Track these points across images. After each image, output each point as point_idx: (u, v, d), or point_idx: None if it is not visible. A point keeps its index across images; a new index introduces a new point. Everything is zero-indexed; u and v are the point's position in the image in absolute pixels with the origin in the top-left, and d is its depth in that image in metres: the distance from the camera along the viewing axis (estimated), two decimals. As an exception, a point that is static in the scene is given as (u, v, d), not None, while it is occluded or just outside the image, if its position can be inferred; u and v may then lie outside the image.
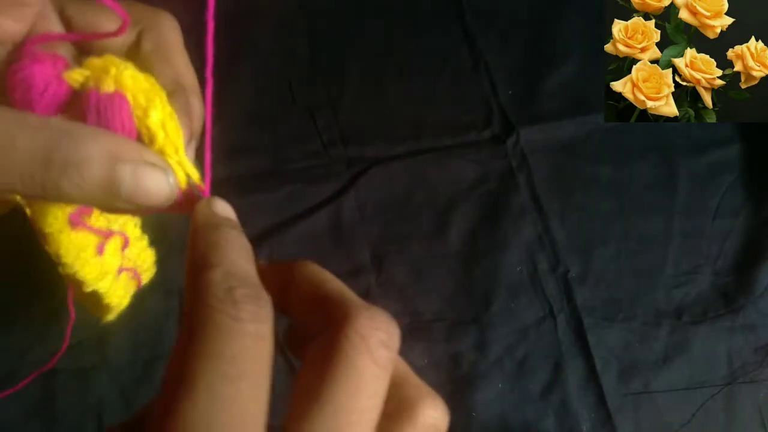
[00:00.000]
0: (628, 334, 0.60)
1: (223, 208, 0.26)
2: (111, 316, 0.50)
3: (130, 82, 0.26)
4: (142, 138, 0.27)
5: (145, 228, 0.46)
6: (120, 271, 0.45)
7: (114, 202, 0.25)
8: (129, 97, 0.26)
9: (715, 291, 0.62)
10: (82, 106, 0.26)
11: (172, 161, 0.27)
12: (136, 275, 0.48)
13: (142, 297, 0.50)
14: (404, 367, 0.26)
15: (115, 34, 0.25)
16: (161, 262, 0.49)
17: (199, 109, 0.30)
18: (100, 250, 0.40)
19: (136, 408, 0.47)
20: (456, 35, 0.67)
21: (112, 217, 0.40)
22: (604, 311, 0.60)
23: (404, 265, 0.60)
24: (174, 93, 0.28)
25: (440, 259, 0.60)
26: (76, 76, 0.26)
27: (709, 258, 0.63)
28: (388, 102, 0.64)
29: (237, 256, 0.24)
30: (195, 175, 0.28)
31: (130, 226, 0.44)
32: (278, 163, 0.62)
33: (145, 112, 0.26)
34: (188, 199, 0.27)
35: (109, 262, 0.42)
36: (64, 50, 0.28)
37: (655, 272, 0.62)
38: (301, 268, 0.26)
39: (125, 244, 0.43)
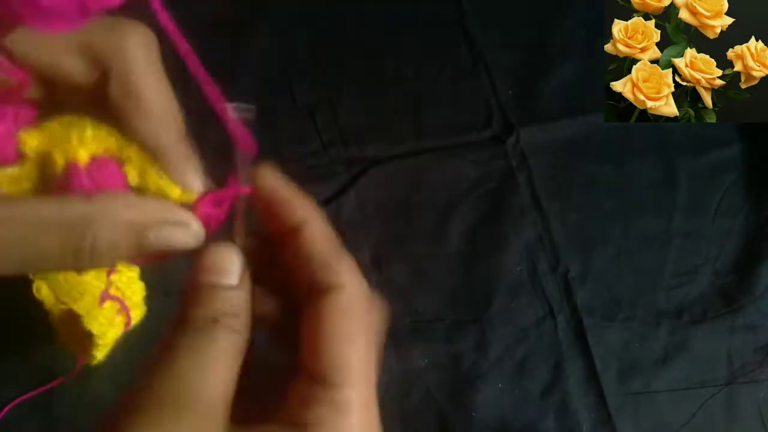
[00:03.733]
0: (628, 334, 0.60)
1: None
2: (96, 354, 0.48)
3: (95, 146, 0.25)
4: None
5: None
6: (103, 297, 0.44)
7: (138, 257, 0.26)
8: (109, 158, 0.25)
9: (715, 291, 0.62)
10: (55, 175, 0.25)
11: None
12: (123, 307, 0.46)
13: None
14: (322, 244, 0.28)
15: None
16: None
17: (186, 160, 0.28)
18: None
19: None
20: (456, 35, 0.67)
21: None
22: (604, 311, 0.60)
23: (404, 265, 0.60)
24: (154, 153, 0.27)
25: (440, 259, 0.60)
26: (31, 142, 0.25)
27: (709, 258, 0.63)
28: (388, 102, 0.64)
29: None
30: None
31: None
32: (278, 163, 0.61)
33: (124, 167, 0.26)
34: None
35: (88, 282, 0.41)
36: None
37: (655, 272, 0.62)
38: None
39: (112, 269, 0.43)
